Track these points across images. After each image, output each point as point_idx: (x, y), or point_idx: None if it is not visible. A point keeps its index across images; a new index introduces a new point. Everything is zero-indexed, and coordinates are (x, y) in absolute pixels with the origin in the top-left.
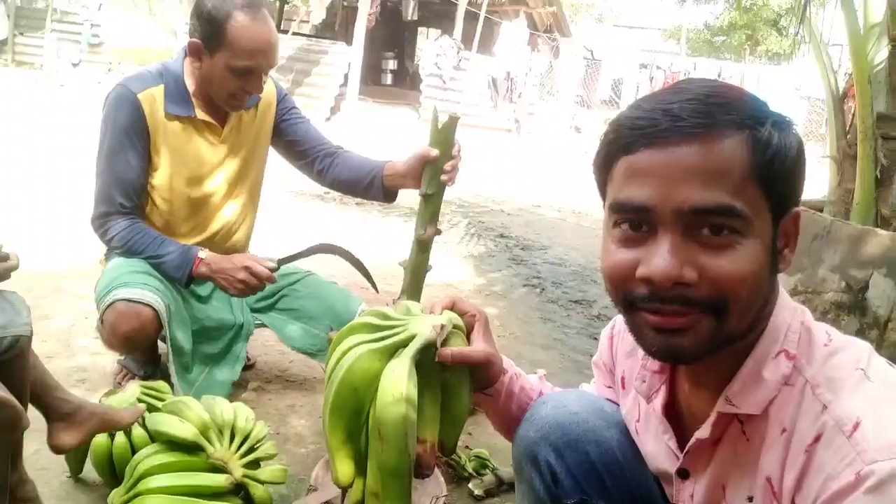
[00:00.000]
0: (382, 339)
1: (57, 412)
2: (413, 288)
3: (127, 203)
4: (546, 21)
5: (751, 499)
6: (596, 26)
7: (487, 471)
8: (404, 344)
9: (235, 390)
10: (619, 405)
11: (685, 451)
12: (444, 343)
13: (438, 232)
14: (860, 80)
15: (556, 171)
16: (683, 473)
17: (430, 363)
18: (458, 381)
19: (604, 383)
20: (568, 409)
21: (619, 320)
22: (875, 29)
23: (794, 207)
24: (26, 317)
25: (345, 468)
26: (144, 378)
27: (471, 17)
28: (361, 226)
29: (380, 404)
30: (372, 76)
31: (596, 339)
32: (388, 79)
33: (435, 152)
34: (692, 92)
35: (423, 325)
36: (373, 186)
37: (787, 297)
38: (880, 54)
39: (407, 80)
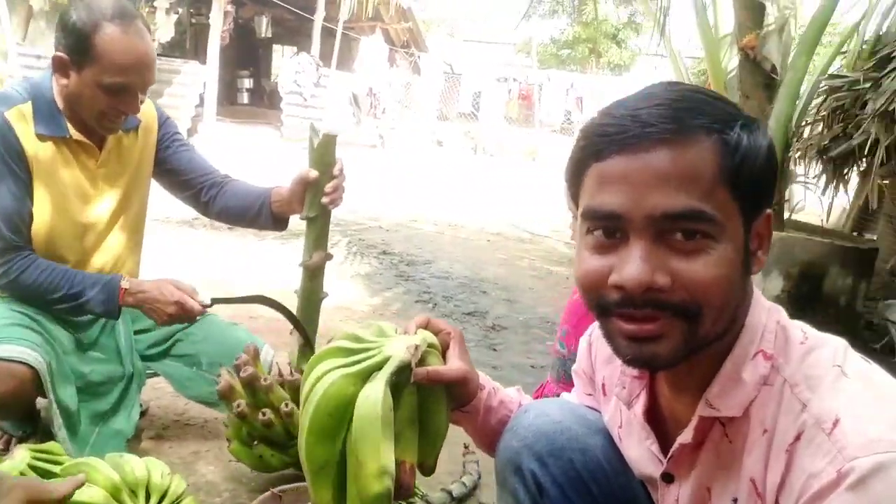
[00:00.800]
0: (356, 362)
1: None
2: (307, 316)
3: (17, 238)
4: (402, 37)
5: (735, 500)
6: (448, 41)
7: (416, 499)
8: (379, 367)
9: (131, 443)
10: (600, 412)
11: (669, 455)
12: (420, 362)
13: (329, 257)
14: (717, 86)
15: (424, 184)
16: (668, 478)
17: (406, 384)
18: (435, 400)
19: (584, 391)
20: (551, 417)
21: (596, 327)
22: (727, 38)
23: (766, 209)
24: None
25: (324, 495)
26: (22, 439)
27: (327, 33)
28: (235, 252)
29: (356, 429)
30: (228, 96)
31: (495, 349)
32: (245, 98)
33: (314, 173)
34: (661, 97)
35: (397, 346)
36: (261, 215)
37: (761, 297)
38: (732, 62)
39: (265, 98)
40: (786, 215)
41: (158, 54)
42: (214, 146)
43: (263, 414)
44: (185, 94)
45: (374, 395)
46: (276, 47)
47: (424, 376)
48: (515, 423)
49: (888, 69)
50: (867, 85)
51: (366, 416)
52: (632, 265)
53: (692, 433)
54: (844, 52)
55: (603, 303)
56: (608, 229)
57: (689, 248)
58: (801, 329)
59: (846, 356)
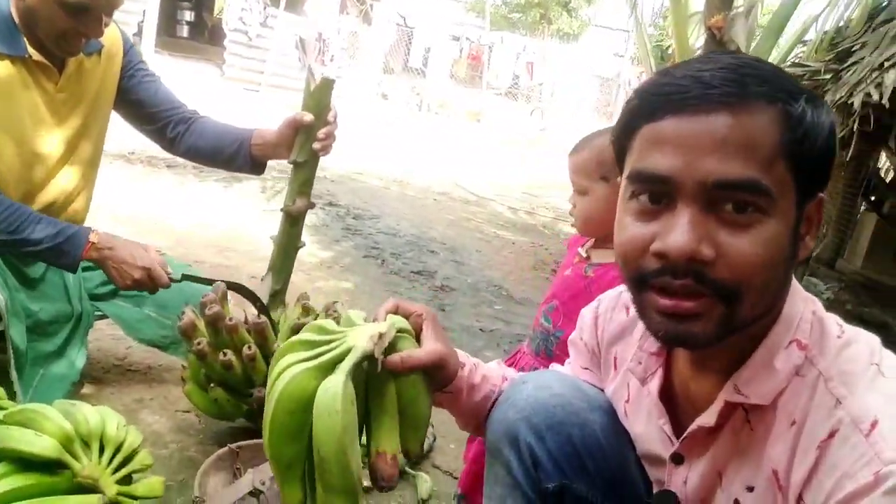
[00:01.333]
0: (318, 355)
1: None
2: (282, 265)
3: None
4: None
5: (751, 489)
6: None
7: None
8: (341, 358)
9: (75, 387)
10: (597, 386)
11: (683, 436)
12: (391, 348)
13: (312, 205)
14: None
15: (368, 137)
16: (678, 459)
17: (377, 373)
18: (413, 385)
19: (579, 363)
20: (551, 390)
21: (604, 300)
22: (696, 16)
23: (821, 192)
24: None
25: (293, 492)
26: None
27: None
28: (174, 190)
29: (316, 425)
30: (167, 28)
31: (443, 310)
32: (185, 31)
33: (309, 117)
34: (725, 61)
35: (362, 335)
36: (238, 156)
37: (798, 286)
38: (699, 41)
39: (206, 33)
40: None
41: None
42: None
43: (224, 354)
44: (122, 20)
45: (332, 389)
46: None
47: (398, 363)
48: (513, 394)
49: (848, 63)
50: (827, 76)
51: (325, 411)
52: (677, 233)
53: (715, 417)
54: (805, 42)
55: (641, 273)
56: (655, 194)
57: (740, 221)
58: (836, 322)
59: (882, 354)
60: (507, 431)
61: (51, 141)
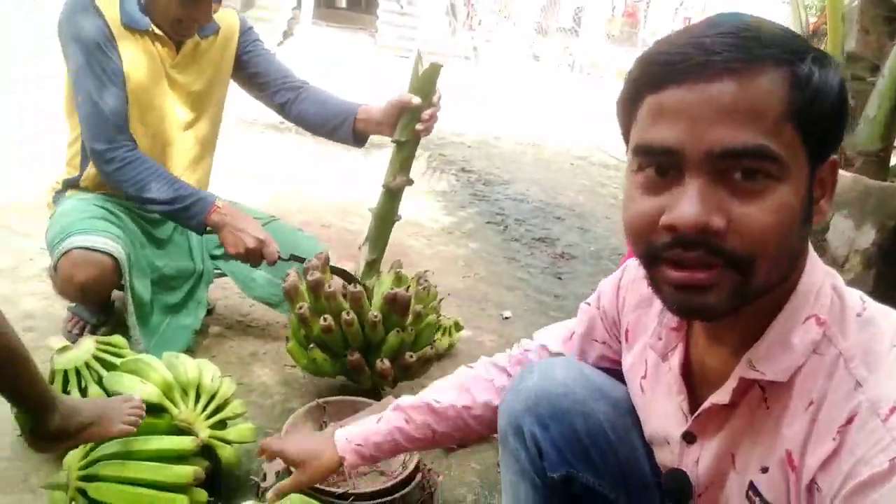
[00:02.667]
0: None
1: (41, 409)
2: (379, 236)
3: (122, 118)
4: None
5: (765, 469)
6: None
7: None
8: None
9: (196, 337)
10: (611, 357)
11: (696, 414)
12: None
13: (410, 182)
14: (833, 18)
15: (514, 100)
16: (689, 437)
17: None
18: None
19: (594, 337)
20: (556, 379)
21: (628, 269)
22: None
23: (833, 154)
24: None
25: None
26: (96, 326)
27: None
28: (321, 160)
29: None
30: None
31: (560, 278)
32: (343, 2)
33: (416, 100)
34: (727, 25)
35: None
36: (342, 128)
37: (817, 257)
38: None
39: (362, 3)
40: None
41: None
42: (308, 50)
43: (325, 320)
44: None
45: None
46: None
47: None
48: (519, 383)
49: None
50: None
51: None
52: (686, 204)
53: (729, 394)
54: None
55: (652, 249)
56: (661, 166)
57: (750, 188)
58: (859, 297)
59: None
60: (512, 422)
61: (170, 111)
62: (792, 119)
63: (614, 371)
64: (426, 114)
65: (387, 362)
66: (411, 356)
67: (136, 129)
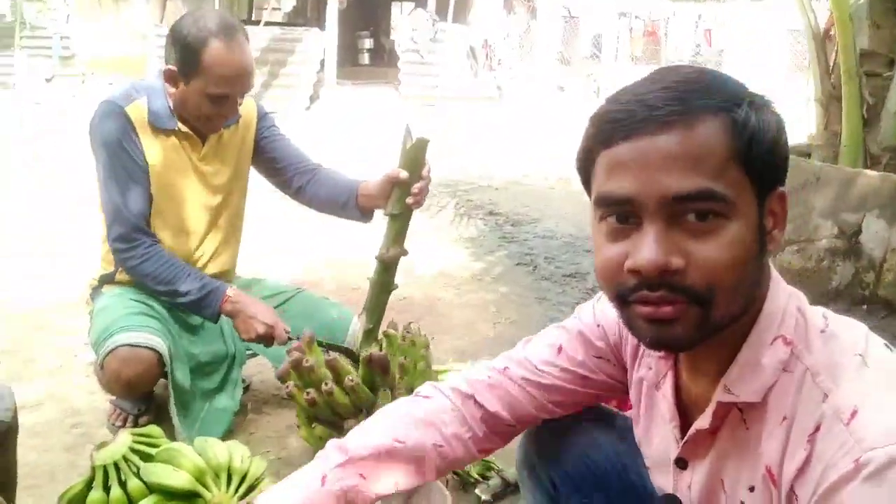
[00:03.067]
0: None
1: None
2: (375, 306)
3: (142, 219)
4: None
5: (752, 489)
6: None
7: (493, 473)
8: None
9: (236, 416)
10: (611, 375)
11: (684, 440)
12: None
13: (404, 253)
14: (841, 18)
15: (541, 134)
16: (681, 463)
17: None
18: None
19: (589, 352)
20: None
21: None
22: None
23: (779, 187)
24: (9, 403)
25: None
26: (137, 416)
27: None
28: (346, 224)
29: None
30: (350, 57)
31: None
32: (366, 58)
33: (404, 174)
34: (666, 80)
35: None
36: (347, 205)
37: (781, 280)
38: None
39: (385, 57)
40: None
41: (282, 24)
42: (334, 109)
43: (307, 394)
44: (306, 60)
45: None
46: (395, 4)
47: None
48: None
49: None
50: None
51: None
52: (646, 249)
53: (709, 418)
54: None
55: (621, 290)
56: (621, 215)
57: (703, 228)
58: (822, 315)
59: (868, 343)
60: (523, 458)
61: (196, 201)
62: (735, 160)
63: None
64: (416, 187)
65: None
66: None
67: (164, 221)
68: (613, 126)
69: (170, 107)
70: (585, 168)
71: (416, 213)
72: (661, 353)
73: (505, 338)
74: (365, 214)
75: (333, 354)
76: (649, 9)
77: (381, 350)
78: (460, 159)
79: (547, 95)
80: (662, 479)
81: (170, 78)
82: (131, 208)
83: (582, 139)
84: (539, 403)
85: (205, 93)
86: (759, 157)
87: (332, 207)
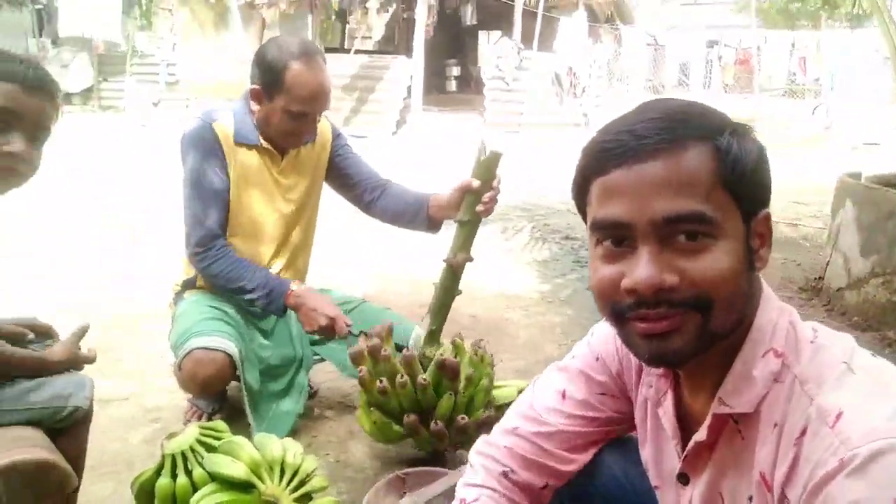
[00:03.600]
0: None
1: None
2: (440, 308)
3: (218, 230)
4: (607, 10)
5: (751, 498)
6: (660, 7)
7: None
8: None
9: (301, 419)
10: (616, 411)
11: (684, 454)
12: None
13: (470, 259)
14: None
15: None
16: (683, 479)
17: None
18: None
19: (593, 390)
20: None
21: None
22: None
23: (764, 209)
24: (88, 391)
25: None
26: (211, 414)
27: (529, 15)
28: (412, 238)
29: None
30: (437, 84)
31: None
32: (453, 86)
33: (476, 183)
34: (654, 111)
35: None
36: (417, 217)
37: (773, 296)
38: None
39: (471, 84)
40: None
41: (370, 52)
42: (420, 134)
43: (381, 382)
44: (392, 87)
45: None
46: (482, 33)
47: None
48: None
49: None
50: None
51: None
52: (641, 268)
53: (706, 431)
54: None
55: (618, 308)
56: (616, 238)
57: (693, 247)
58: (811, 328)
59: (853, 353)
60: None
61: (274, 212)
62: (720, 184)
63: None
64: (487, 196)
65: (440, 424)
66: (464, 419)
67: (243, 229)
68: (606, 155)
69: (254, 124)
70: (580, 196)
71: (492, 236)
72: (661, 371)
73: None
74: (433, 226)
75: (408, 351)
76: (739, 37)
77: (443, 355)
78: (541, 184)
79: None
80: (669, 498)
81: (255, 97)
82: (210, 217)
83: (576, 169)
84: (556, 456)
85: (286, 110)
86: (742, 181)
87: (402, 219)
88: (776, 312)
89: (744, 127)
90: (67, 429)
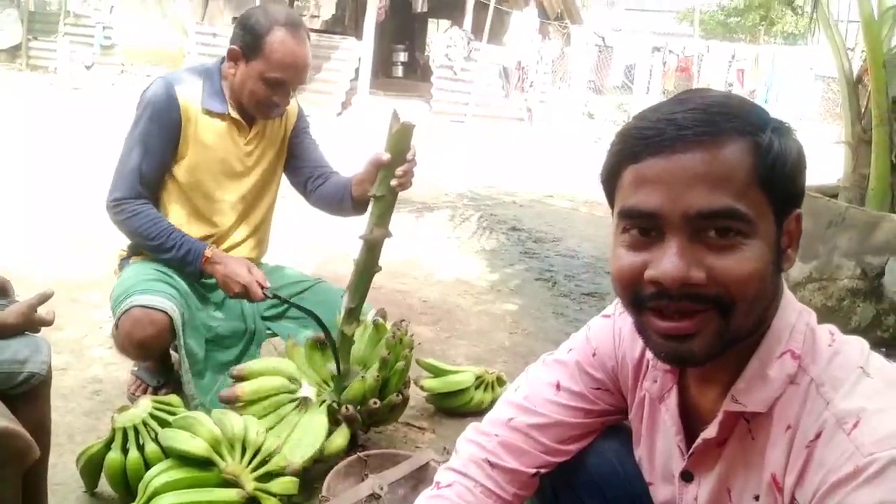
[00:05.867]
0: None
1: None
2: (358, 285)
3: (141, 188)
4: (556, 9)
5: (757, 497)
6: (608, 11)
7: None
8: None
9: None
10: (613, 405)
11: (690, 452)
12: None
13: (388, 234)
14: (874, 65)
15: (568, 158)
16: (687, 476)
17: None
18: None
19: (588, 384)
20: None
21: (617, 318)
22: (890, 12)
23: (796, 209)
24: (45, 356)
25: None
26: (157, 388)
27: (481, 7)
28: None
29: None
30: (383, 69)
31: None
32: (400, 71)
33: (386, 156)
34: (695, 102)
35: None
36: (344, 200)
37: (792, 298)
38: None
39: (418, 71)
40: None
41: (319, 31)
42: (365, 118)
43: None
44: (341, 68)
45: None
46: (432, 21)
47: None
48: None
49: None
50: None
51: None
52: (669, 261)
53: (717, 428)
54: None
55: (638, 298)
56: (644, 228)
57: (723, 244)
58: (829, 331)
59: (868, 357)
60: None
61: (238, 185)
62: (757, 182)
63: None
64: (400, 170)
65: (350, 409)
66: (376, 403)
67: (205, 197)
68: (642, 142)
69: (224, 92)
70: (610, 181)
71: (441, 222)
72: (668, 367)
73: (520, 348)
74: (360, 206)
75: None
76: (684, 44)
77: (358, 330)
78: (487, 175)
79: (575, 121)
80: (665, 494)
81: (232, 57)
82: (137, 175)
83: (608, 154)
84: (550, 448)
85: (262, 75)
86: (780, 180)
87: (333, 207)
88: (795, 314)
89: (785, 124)
90: (25, 395)
